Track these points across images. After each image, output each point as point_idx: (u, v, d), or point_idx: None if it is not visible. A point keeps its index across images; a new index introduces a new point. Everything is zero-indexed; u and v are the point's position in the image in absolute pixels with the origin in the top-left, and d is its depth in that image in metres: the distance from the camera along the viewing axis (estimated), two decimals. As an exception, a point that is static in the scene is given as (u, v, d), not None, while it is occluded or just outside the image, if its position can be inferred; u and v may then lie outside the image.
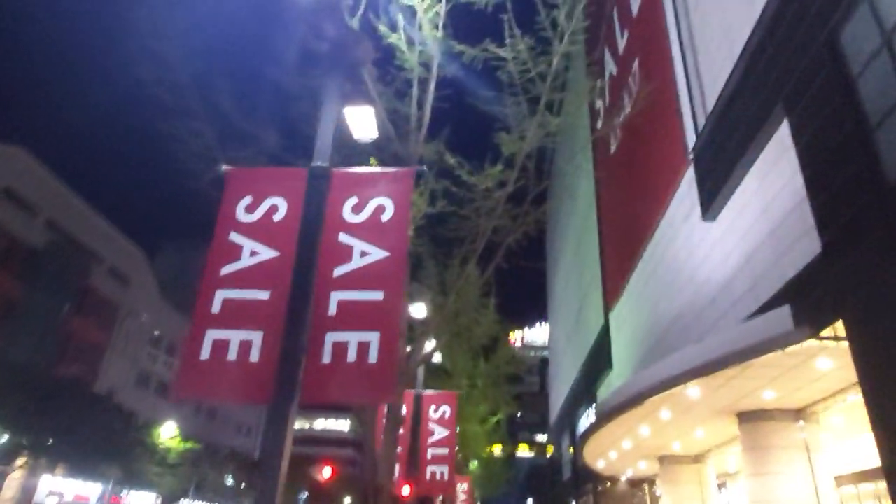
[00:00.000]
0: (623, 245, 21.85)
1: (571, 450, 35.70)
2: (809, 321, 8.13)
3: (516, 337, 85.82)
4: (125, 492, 35.20)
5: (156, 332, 46.46)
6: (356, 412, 8.45)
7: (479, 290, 11.58)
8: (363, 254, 4.00)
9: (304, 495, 55.68)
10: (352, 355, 3.63)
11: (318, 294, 3.87)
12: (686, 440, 15.09)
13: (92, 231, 39.21)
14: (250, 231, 4.13)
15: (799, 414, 11.52)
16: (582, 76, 17.44)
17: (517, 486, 70.61)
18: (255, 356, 3.67)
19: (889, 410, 6.69)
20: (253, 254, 4.04)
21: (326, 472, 32.20)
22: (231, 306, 3.84)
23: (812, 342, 8.20)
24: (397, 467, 10.22)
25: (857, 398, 10.23)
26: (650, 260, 18.14)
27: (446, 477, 11.17)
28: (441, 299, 9.14)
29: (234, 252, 4.04)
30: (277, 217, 4.19)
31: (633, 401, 11.87)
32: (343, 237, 4.08)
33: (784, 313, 8.54)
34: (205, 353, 3.69)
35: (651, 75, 17.04)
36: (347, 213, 4.18)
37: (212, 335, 3.74)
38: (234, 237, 4.10)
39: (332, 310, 3.82)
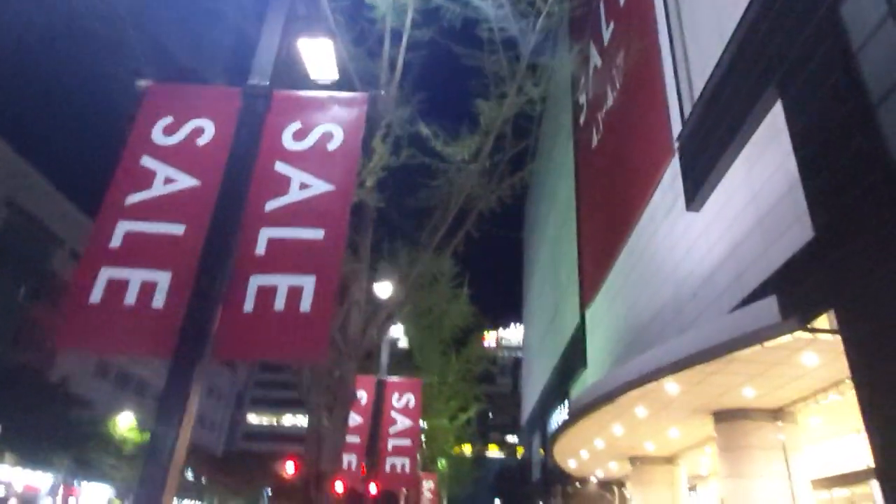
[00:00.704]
0: (602, 240, 21.44)
1: (542, 451, 35.32)
2: (798, 312, 7.66)
3: (491, 337, 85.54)
4: (76, 483, 33.76)
5: (118, 320, 44.78)
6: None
7: (450, 270, 10.89)
8: (303, 186, 3.31)
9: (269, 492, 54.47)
10: (280, 303, 2.95)
11: (245, 230, 3.17)
12: (659, 440, 14.69)
13: (53, 211, 37.55)
14: (167, 155, 3.40)
15: (777, 414, 11.16)
16: (566, 44, 16.90)
17: (486, 486, 70.17)
18: (159, 301, 2.95)
19: (883, 407, 6.23)
20: (168, 181, 3.31)
21: (290, 468, 31.12)
22: (134, 241, 3.11)
23: (800, 334, 7.74)
24: (355, 458, 9.55)
25: (836, 398, 9.88)
26: (630, 255, 17.71)
27: (408, 470, 10.49)
28: (407, 269, 8.46)
29: (145, 178, 3.30)
30: (202, 141, 3.47)
31: (609, 396, 11.37)
32: (280, 166, 3.38)
33: (770, 304, 8.07)
34: (96, 296, 2.95)
35: (637, 65, 16.62)
36: (287, 140, 3.49)
37: (107, 274, 3.01)
38: (147, 161, 3.37)
39: (261, 249, 3.12)
